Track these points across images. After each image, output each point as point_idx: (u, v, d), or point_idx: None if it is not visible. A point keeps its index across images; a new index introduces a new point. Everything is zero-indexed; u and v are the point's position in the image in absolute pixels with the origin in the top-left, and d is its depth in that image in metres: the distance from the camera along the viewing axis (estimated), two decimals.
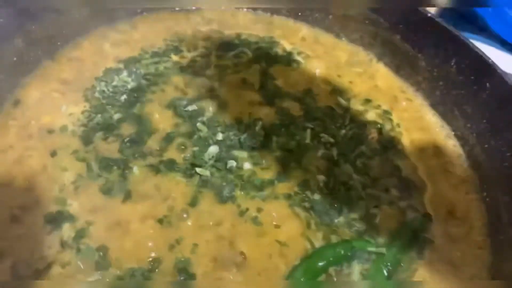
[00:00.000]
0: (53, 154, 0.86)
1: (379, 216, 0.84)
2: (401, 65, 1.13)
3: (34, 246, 0.72)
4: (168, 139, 0.91)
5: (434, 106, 1.08)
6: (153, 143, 0.90)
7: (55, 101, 0.95)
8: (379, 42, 1.16)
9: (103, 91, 0.98)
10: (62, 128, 0.90)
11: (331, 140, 0.95)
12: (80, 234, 0.75)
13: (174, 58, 1.10)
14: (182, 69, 1.07)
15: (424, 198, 0.89)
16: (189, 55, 1.12)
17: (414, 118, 1.05)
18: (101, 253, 0.73)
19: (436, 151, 0.99)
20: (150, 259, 0.73)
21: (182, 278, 0.71)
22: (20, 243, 0.72)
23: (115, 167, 0.84)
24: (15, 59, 0.96)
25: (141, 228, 0.77)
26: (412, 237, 0.82)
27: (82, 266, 0.71)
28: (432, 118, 1.06)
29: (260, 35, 1.22)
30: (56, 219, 0.76)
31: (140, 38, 1.14)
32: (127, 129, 0.91)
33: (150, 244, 0.75)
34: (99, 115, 0.93)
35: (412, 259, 0.79)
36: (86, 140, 0.89)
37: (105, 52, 1.08)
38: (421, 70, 1.09)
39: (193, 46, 1.14)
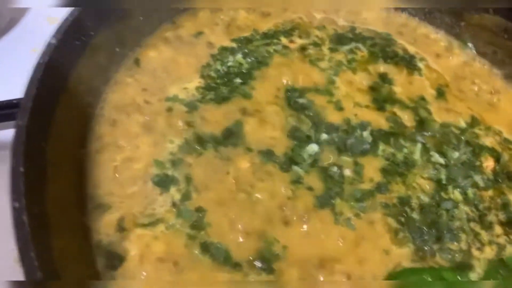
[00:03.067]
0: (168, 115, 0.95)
1: (478, 255, 0.83)
2: None
3: (147, 204, 0.82)
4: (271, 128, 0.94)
5: None
6: (255, 133, 0.94)
7: (172, 70, 1.03)
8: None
9: (218, 70, 1.04)
10: (175, 98, 0.98)
11: (442, 161, 0.90)
12: (185, 198, 0.84)
13: (284, 41, 1.11)
14: (294, 55, 1.08)
15: None
16: (299, 41, 1.11)
17: None
18: (199, 215, 0.81)
19: None
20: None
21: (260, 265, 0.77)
22: (132, 200, 0.83)
23: (212, 148, 0.90)
24: (141, 18, 1.02)
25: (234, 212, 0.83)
26: (507, 278, 0.80)
27: (181, 227, 0.80)
28: None
29: (377, 30, 1.17)
30: (164, 182, 0.85)
31: (252, 16, 1.15)
32: (236, 112, 0.96)
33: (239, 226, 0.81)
34: (213, 93, 0.99)
35: None
36: (196, 114, 0.96)
37: (217, 26, 1.11)
38: None
39: (305, 33, 1.13)
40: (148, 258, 0.76)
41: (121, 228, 0.80)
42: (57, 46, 0.80)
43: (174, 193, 0.84)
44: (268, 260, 0.77)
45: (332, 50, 1.13)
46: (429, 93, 1.06)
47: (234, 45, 1.10)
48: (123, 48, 1.01)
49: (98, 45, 0.93)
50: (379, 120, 0.99)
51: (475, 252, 0.83)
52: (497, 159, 0.96)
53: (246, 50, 1.09)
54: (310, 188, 0.86)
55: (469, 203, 0.88)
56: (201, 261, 0.76)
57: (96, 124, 0.92)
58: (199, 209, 0.82)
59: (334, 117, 0.98)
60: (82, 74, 0.89)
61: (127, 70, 1.01)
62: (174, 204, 0.82)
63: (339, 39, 1.15)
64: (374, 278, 0.77)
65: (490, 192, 0.91)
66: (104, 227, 0.79)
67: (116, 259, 0.76)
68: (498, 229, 0.86)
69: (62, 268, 0.65)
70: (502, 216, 0.88)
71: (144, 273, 0.75)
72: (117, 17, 0.96)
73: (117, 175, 0.86)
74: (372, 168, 0.91)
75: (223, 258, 0.77)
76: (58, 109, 0.80)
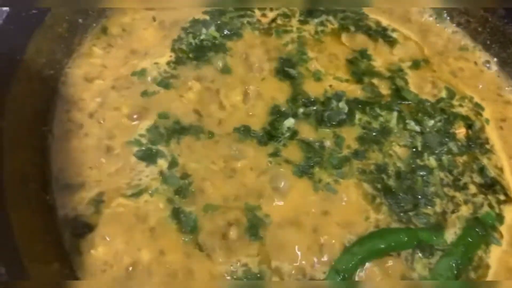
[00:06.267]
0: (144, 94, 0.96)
1: (453, 216, 0.88)
2: (508, 61, 1.07)
3: (134, 175, 0.85)
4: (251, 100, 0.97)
5: None
6: (232, 101, 0.96)
7: (142, 42, 1.02)
8: (488, 30, 1.13)
9: (190, 43, 1.05)
10: (143, 72, 0.98)
11: (417, 128, 0.93)
12: (172, 165, 0.87)
13: (257, 13, 1.14)
14: (267, 30, 1.11)
15: (505, 205, 0.91)
16: (271, 15, 1.14)
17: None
18: (186, 181, 0.85)
19: None
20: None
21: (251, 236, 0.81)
22: (116, 176, 0.85)
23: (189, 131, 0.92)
24: None
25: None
26: (482, 236, 0.85)
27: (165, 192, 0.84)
28: None
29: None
30: (149, 156, 0.88)
31: None
32: (210, 84, 0.98)
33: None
34: (183, 67, 1.00)
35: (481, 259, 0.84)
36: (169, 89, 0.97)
37: None
38: None
39: (276, 2, 1.13)
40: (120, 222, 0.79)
41: (97, 202, 0.81)
42: (10, 14, 0.76)
43: (162, 163, 0.87)
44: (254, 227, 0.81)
45: (302, 22, 1.14)
46: (406, 63, 1.09)
47: (206, 17, 1.09)
48: (86, 18, 0.98)
49: (58, 15, 0.89)
50: (355, 90, 1.00)
51: (450, 214, 0.88)
52: (470, 126, 0.99)
53: (219, 22, 1.07)
54: (287, 160, 0.90)
55: (444, 169, 0.94)
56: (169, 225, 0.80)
57: (58, 100, 0.88)
58: (185, 176, 0.86)
59: (311, 89, 1.01)
60: (40, 46, 0.88)
61: (94, 40, 1.01)
62: (161, 173, 0.86)
63: (310, 12, 1.16)
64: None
65: (464, 158, 0.95)
66: (73, 203, 0.80)
67: (83, 228, 0.77)
68: (473, 189, 0.92)
69: (24, 248, 0.63)
70: (478, 179, 0.94)
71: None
72: None
73: (91, 158, 0.86)
74: (350, 136, 0.95)
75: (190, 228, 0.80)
76: (15, 82, 0.77)
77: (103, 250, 0.76)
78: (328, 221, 0.83)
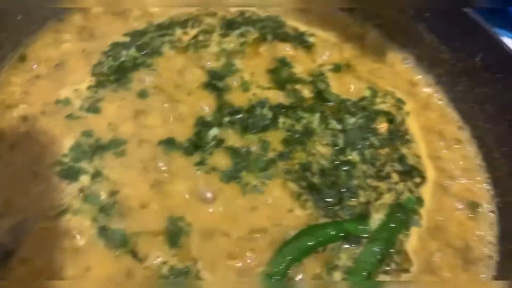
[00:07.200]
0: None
1: (377, 204, 0.92)
2: (422, 56, 1.18)
3: (55, 196, 0.85)
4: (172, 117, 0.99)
5: (453, 101, 1.11)
6: (154, 121, 0.99)
7: (61, 70, 1.04)
8: (401, 29, 1.17)
9: (111, 66, 1.08)
10: (66, 101, 1.00)
11: (339, 127, 0.98)
12: (95, 183, 0.88)
13: (178, 33, 1.17)
14: (187, 47, 1.14)
15: (422, 187, 0.97)
16: (192, 32, 1.18)
17: (429, 112, 1.11)
18: (110, 200, 0.86)
19: (449, 148, 1.01)
20: None
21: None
22: (39, 200, 0.84)
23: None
24: (19, 17, 1.00)
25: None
26: (404, 220, 0.90)
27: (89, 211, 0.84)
28: (449, 114, 1.09)
29: (262, 15, 1.24)
30: (71, 173, 0.88)
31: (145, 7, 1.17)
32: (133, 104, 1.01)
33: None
34: (104, 89, 1.03)
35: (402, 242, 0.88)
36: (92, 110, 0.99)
37: (111, 22, 1.12)
38: (444, 62, 1.15)
39: (197, 21, 1.17)
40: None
41: (19, 228, 0.80)
42: None
43: (85, 179, 0.88)
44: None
45: (222, 35, 1.19)
46: (326, 67, 1.14)
47: (126, 39, 1.12)
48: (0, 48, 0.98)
49: None
50: (278, 96, 1.04)
51: (374, 203, 0.93)
52: (391, 120, 1.04)
53: (139, 43, 1.11)
54: (214, 168, 0.92)
55: (366, 162, 0.99)
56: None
57: None
58: (112, 193, 0.86)
59: (236, 99, 1.04)
60: None
61: (11, 70, 1.01)
62: (82, 190, 0.86)
63: (230, 24, 1.22)
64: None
65: (386, 150, 1.02)
66: None
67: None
68: (395, 177, 0.98)
69: None
70: (398, 167, 0.99)
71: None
72: None
73: (14, 186, 0.85)
74: (275, 140, 0.99)
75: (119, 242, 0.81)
76: None
77: (21, 273, 0.75)
78: (258, 216, 0.85)
